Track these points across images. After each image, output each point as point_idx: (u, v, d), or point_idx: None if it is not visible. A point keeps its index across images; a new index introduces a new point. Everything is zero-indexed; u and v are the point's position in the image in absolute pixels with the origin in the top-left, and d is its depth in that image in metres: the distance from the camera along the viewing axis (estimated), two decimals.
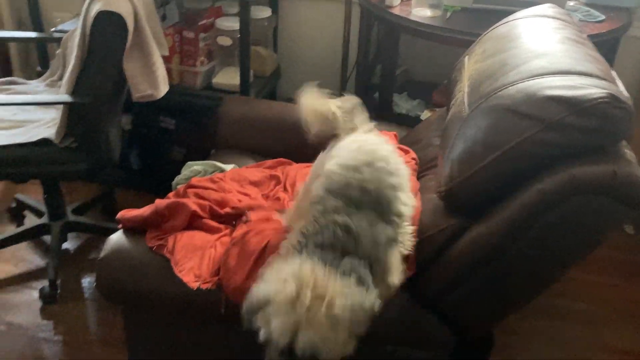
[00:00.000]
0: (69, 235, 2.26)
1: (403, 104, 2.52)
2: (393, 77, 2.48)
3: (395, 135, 1.75)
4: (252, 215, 1.45)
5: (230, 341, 1.40)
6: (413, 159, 1.57)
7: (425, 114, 2.41)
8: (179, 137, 2.38)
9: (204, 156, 1.93)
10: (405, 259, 1.22)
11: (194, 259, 1.36)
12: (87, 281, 2.13)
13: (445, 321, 1.26)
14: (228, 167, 1.79)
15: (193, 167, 1.85)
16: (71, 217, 2.21)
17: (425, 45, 2.53)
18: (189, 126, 2.34)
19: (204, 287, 1.31)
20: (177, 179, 1.80)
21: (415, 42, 2.56)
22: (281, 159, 1.76)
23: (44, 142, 1.83)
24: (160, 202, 1.49)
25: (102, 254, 1.39)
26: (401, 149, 1.59)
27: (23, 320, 1.95)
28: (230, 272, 1.31)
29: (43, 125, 1.94)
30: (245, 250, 1.33)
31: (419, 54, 2.66)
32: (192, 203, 1.48)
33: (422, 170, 1.54)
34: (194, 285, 1.31)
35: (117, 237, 1.43)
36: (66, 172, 1.88)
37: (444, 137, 1.41)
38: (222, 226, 1.47)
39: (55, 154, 1.84)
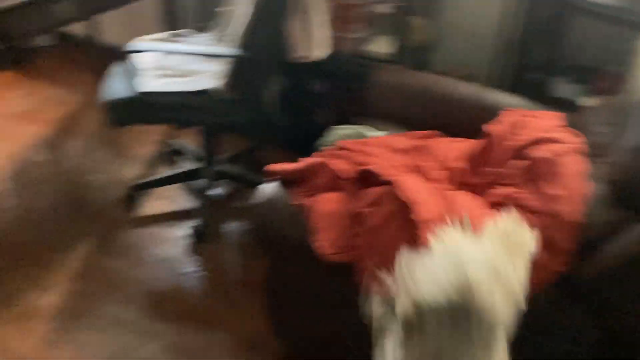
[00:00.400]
0: (218, 182, 2.43)
1: (561, 88, 2.37)
2: (554, 59, 2.33)
3: (560, 117, 1.65)
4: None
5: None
6: (583, 143, 1.48)
7: (584, 100, 2.25)
8: (326, 101, 2.44)
9: (349, 121, 1.97)
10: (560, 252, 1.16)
11: (331, 228, 1.37)
12: (232, 226, 2.29)
13: (595, 316, 1.19)
14: (375, 133, 1.81)
15: (339, 131, 1.89)
16: (222, 166, 2.37)
17: (592, 26, 2.35)
18: (338, 91, 2.39)
19: (337, 260, 1.33)
20: (323, 140, 1.86)
21: (582, 22, 2.38)
22: (431, 131, 1.74)
23: (208, 93, 1.97)
24: (305, 160, 1.55)
25: (255, 201, 1.48)
26: (571, 132, 1.51)
27: (173, 254, 2.14)
28: (373, 264, 1.30)
29: (208, 76, 2.07)
30: (386, 242, 1.31)
31: (584, 35, 2.47)
32: (335, 164, 1.52)
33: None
34: (329, 258, 1.33)
35: (268, 187, 1.51)
36: (226, 122, 2.02)
37: (617, 124, 1.31)
38: (363, 190, 1.48)
39: (217, 105, 1.97)
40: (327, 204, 1.41)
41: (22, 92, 3.08)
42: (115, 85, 1.99)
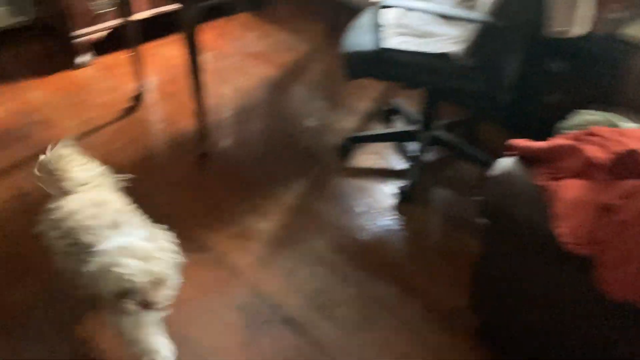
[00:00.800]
0: (431, 147, 2.42)
1: None
2: None
3: None
4: None
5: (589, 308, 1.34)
6: None
7: None
8: (563, 82, 2.28)
9: (586, 107, 1.82)
10: None
11: (575, 217, 1.29)
12: (438, 193, 2.28)
13: None
14: (629, 125, 1.65)
15: (586, 116, 1.76)
16: (437, 132, 2.35)
17: None
18: (579, 73, 2.21)
19: (577, 251, 1.26)
20: (566, 124, 1.74)
21: None
22: None
23: (445, 56, 1.94)
24: (555, 141, 1.46)
25: (492, 173, 1.44)
26: None
27: (378, 209, 2.20)
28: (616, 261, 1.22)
29: (447, 40, 2.04)
30: (636, 241, 1.20)
31: None
32: (588, 150, 1.41)
33: None
34: (568, 247, 1.27)
35: (508, 161, 1.46)
36: (456, 88, 1.98)
37: None
38: (617, 181, 1.36)
39: (453, 70, 1.93)
40: (573, 190, 1.33)
41: (257, 34, 3.33)
42: (358, 38, 2.05)
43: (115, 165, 2.33)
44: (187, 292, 1.82)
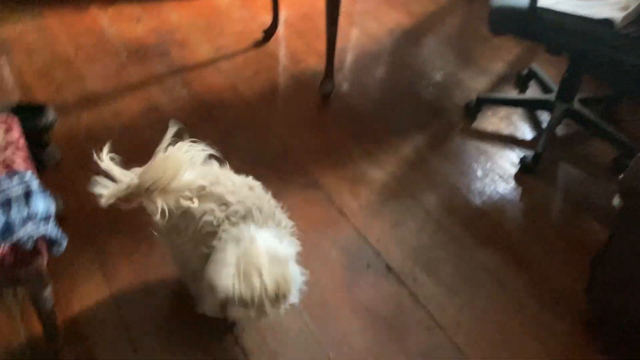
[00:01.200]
0: (563, 119, 2.26)
1: None
2: None
3: None
4: None
5: None
6: None
7: None
8: None
9: None
10: None
11: None
12: (564, 168, 2.14)
13: None
14: None
15: None
16: (574, 105, 2.19)
17: None
18: None
19: None
20: None
21: None
22: None
23: (607, 23, 1.78)
24: None
25: None
26: None
27: (496, 176, 2.10)
28: None
29: (607, 5, 1.87)
30: None
31: None
32: None
33: None
34: None
35: None
36: (610, 60, 1.81)
37: None
38: None
39: (610, 38, 1.77)
40: None
41: None
42: None
43: (240, 94, 2.42)
44: (296, 223, 1.87)
